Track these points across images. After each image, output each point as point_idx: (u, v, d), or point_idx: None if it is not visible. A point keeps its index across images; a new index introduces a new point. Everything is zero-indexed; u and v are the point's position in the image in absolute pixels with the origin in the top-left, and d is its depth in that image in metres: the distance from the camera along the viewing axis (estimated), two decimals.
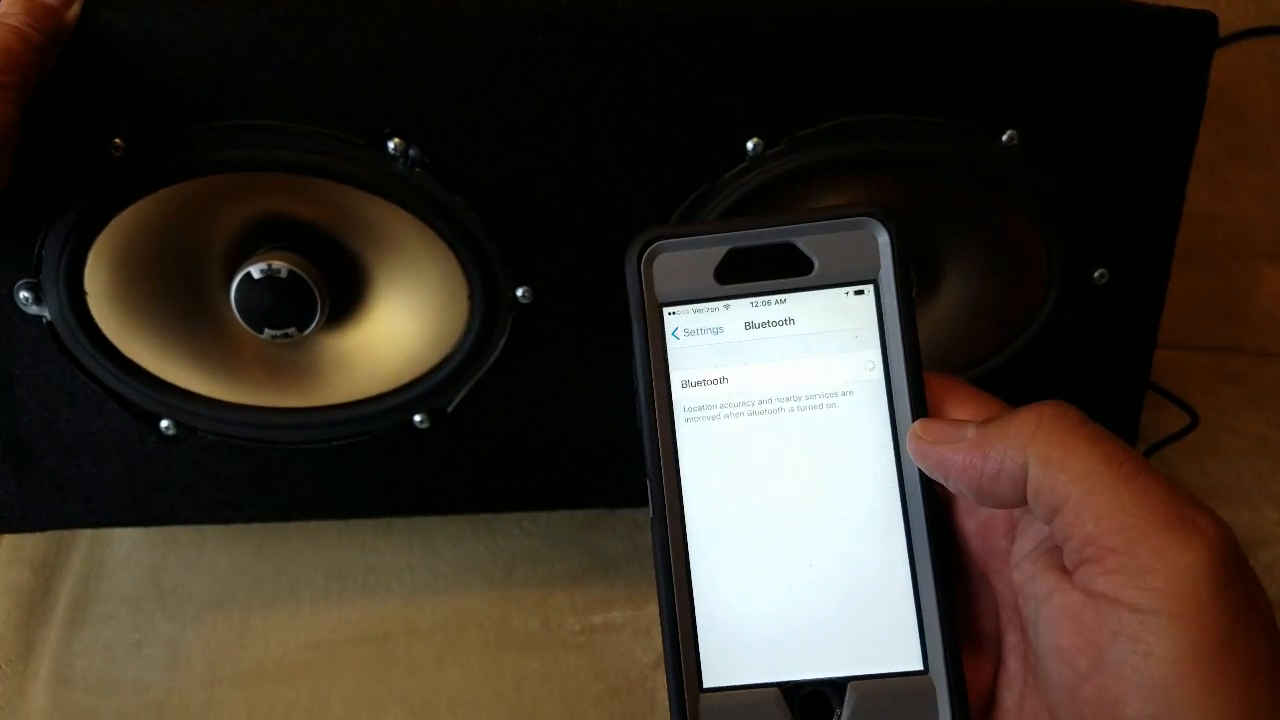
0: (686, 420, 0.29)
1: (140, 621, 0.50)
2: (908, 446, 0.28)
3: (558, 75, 0.40)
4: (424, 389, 0.44)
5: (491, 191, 0.41)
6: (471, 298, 0.43)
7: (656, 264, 0.29)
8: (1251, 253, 0.65)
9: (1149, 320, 0.47)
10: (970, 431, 0.27)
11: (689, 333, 0.29)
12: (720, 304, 0.29)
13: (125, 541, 0.52)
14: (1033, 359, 0.47)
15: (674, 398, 0.29)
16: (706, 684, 0.28)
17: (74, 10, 0.37)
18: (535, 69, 0.39)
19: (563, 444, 0.46)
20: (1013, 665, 0.28)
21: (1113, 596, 0.23)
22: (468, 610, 0.51)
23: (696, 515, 0.29)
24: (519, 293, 0.43)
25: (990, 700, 0.29)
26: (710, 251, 0.29)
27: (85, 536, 0.52)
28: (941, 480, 0.28)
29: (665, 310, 0.29)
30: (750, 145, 0.41)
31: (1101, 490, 0.24)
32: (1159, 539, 0.23)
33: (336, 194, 0.41)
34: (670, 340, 0.29)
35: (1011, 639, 0.29)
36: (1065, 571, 0.25)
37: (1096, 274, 0.45)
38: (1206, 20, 0.42)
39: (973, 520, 0.29)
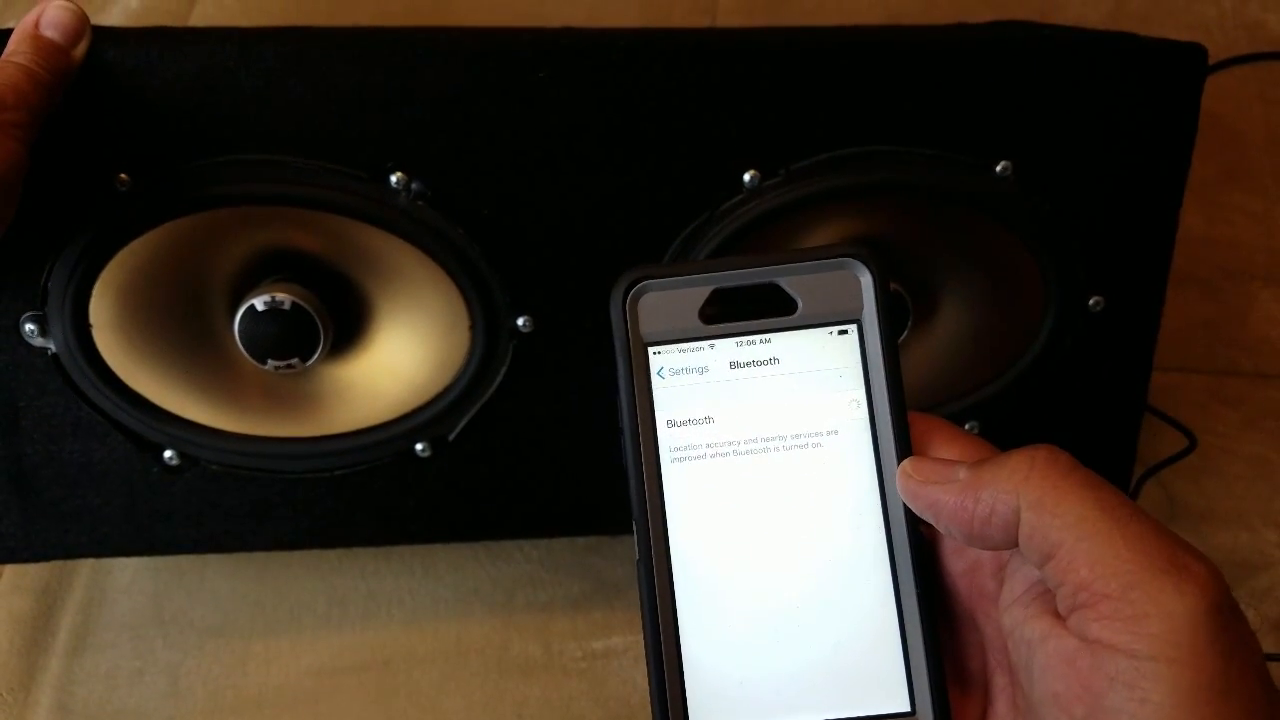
0: (672, 461, 0.29)
1: (141, 649, 0.50)
2: (898, 486, 0.28)
3: (558, 109, 0.40)
4: (426, 418, 0.44)
5: (493, 223, 0.42)
6: (473, 327, 0.43)
7: (641, 304, 0.29)
8: (1246, 276, 0.66)
9: (1145, 344, 0.48)
10: (961, 472, 0.27)
11: (674, 372, 0.29)
12: (705, 343, 0.29)
13: (127, 569, 0.52)
14: (1031, 384, 0.47)
15: (659, 438, 0.29)
16: None
17: (81, 48, 0.37)
18: (536, 103, 0.40)
19: (564, 470, 0.47)
20: (1001, 707, 0.28)
21: (1108, 642, 0.23)
22: (469, 636, 0.51)
23: (683, 557, 0.29)
24: (520, 322, 0.43)
25: None
26: (695, 291, 0.29)
27: (87, 564, 0.52)
28: (931, 521, 0.28)
29: (650, 350, 0.29)
30: (747, 177, 0.42)
31: (1095, 536, 0.24)
32: (1153, 585, 0.23)
33: (339, 226, 0.41)
34: (655, 380, 0.29)
35: (1000, 681, 0.28)
36: (1058, 616, 0.25)
37: (1092, 301, 0.46)
38: (1196, 52, 0.42)
39: (960, 561, 0.29)
